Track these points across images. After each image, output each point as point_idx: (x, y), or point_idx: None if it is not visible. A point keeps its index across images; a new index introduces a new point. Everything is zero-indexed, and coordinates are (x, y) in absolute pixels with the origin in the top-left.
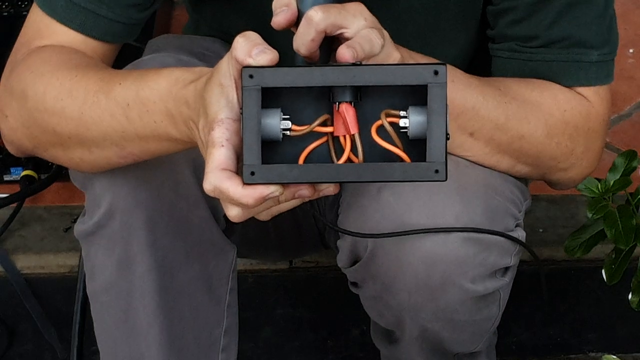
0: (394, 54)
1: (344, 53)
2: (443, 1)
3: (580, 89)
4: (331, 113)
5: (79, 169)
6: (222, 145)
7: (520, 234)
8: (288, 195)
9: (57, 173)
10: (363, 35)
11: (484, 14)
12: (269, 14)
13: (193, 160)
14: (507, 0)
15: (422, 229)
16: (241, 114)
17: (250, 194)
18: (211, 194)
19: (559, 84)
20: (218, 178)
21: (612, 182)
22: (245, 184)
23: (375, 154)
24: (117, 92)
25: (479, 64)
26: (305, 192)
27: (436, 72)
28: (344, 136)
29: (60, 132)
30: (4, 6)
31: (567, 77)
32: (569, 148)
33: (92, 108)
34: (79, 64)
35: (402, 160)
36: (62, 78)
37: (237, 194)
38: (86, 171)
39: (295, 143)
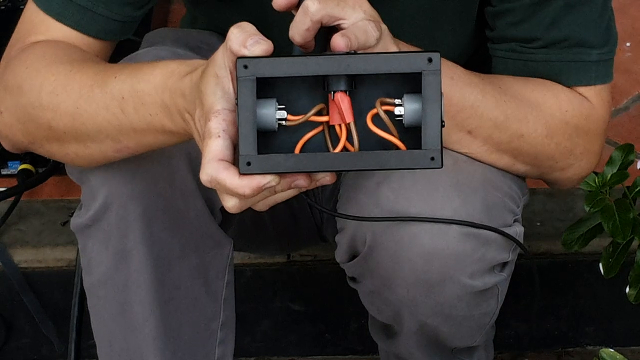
0: (391, 48)
1: (339, 42)
2: (440, 4)
3: (581, 89)
4: (326, 102)
5: (75, 164)
6: (219, 136)
7: (519, 229)
8: (284, 185)
9: (54, 167)
10: (359, 26)
11: (480, 14)
12: (266, 8)
13: (188, 153)
14: (505, 2)
15: (420, 217)
16: (236, 104)
17: (247, 184)
18: (208, 185)
19: (560, 84)
20: (215, 169)
21: (609, 176)
22: (241, 174)
23: (371, 142)
24: (113, 86)
25: (476, 65)
26: (301, 182)
27: (430, 60)
28: (340, 125)
29: (56, 127)
30: (1, 0)
31: (568, 77)
32: (568, 148)
33: (88, 102)
34: (74, 58)
35: (397, 148)
36: (58, 73)
37: (233, 184)
38: (82, 166)
39: (291, 133)
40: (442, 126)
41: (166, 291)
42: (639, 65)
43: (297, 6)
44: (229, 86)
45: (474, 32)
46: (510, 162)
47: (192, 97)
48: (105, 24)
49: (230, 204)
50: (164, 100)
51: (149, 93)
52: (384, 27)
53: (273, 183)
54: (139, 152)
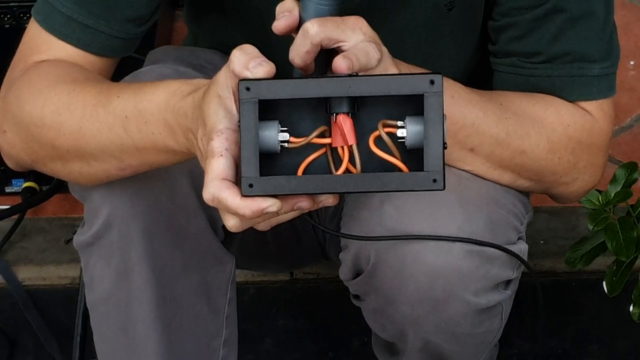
0: (391, 69)
1: (340, 63)
2: (442, 17)
3: (584, 104)
4: (329, 124)
5: (79, 182)
6: (222, 155)
7: (523, 247)
8: (287, 207)
9: (58, 185)
10: (360, 47)
11: (484, 28)
12: (267, 27)
13: (190, 171)
14: (507, 16)
15: (424, 235)
16: (239, 126)
17: (248, 205)
18: (210, 204)
19: (562, 98)
20: (217, 188)
21: (612, 194)
22: (243, 196)
23: (373, 164)
24: (116, 105)
25: (478, 78)
26: (304, 204)
27: (432, 82)
28: (342, 147)
29: (59, 146)
30: (5, 18)
31: (570, 92)
32: (571, 163)
33: (91, 121)
34: (77, 78)
35: (400, 170)
36: (60, 92)
37: (234, 204)
38: (85, 184)
39: (293, 155)
40: (445, 148)
41: (168, 308)
42: None
43: (297, 29)
44: (232, 106)
45: (476, 47)
46: (513, 178)
47: (195, 116)
48: (107, 41)
49: (231, 223)
50: (167, 120)
51: (151, 112)
52: (384, 49)
53: (274, 208)
54: (143, 171)
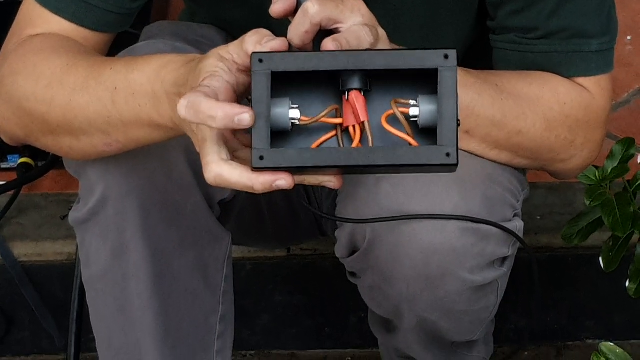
0: None
1: (329, 46)
2: None
3: (581, 80)
4: (340, 107)
5: (70, 157)
6: (208, 86)
7: (518, 224)
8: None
9: (54, 161)
10: (352, 30)
11: (482, 4)
12: (265, 2)
13: (186, 147)
14: None
15: (418, 215)
16: (249, 100)
17: (222, 107)
18: (183, 112)
19: (560, 74)
20: (195, 94)
21: (609, 170)
22: (253, 168)
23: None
24: (107, 77)
25: (476, 55)
26: (282, 182)
27: (446, 56)
28: (354, 127)
29: (50, 121)
30: None
31: (568, 68)
32: (568, 140)
33: (81, 94)
34: (70, 51)
35: None
36: (54, 67)
37: (209, 105)
38: (77, 159)
39: (304, 137)
40: (458, 124)
41: (165, 285)
42: None
43: (294, 13)
44: (233, 66)
45: (474, 24)
46: (510, 157)
47: (184, 81)
48: (102, 16)
49: (210, 175)
50: (155, 90)
51: (141, 83)
52: (381, 32)
53: (247, 117)
54: (130, 148)
